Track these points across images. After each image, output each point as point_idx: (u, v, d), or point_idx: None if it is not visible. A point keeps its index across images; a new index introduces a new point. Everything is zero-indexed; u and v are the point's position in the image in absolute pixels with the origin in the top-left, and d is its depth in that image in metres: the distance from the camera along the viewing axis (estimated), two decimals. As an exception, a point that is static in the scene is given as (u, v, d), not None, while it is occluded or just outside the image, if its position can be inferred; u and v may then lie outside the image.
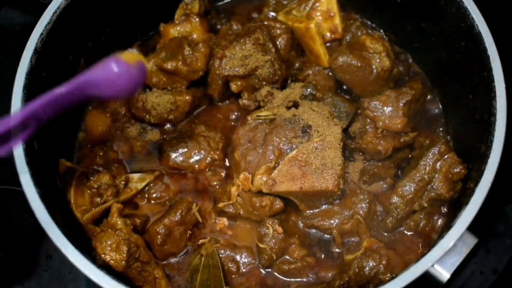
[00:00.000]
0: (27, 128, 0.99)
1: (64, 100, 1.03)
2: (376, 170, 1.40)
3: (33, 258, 1.48)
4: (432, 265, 1.07)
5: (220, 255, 1.32)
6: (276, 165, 1.28)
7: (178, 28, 1.53)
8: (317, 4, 1.56)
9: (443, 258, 1.07)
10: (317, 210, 1.34)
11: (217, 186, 1.41)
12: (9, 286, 1.46)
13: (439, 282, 1.10)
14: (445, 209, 1.35)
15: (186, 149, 1.43)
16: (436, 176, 1.31)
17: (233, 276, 1.32)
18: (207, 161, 1.42)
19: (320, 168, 1.26)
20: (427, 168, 1.32)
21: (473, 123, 1.31)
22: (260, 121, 1.34)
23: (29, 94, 1.21)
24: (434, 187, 1.31)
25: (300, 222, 1.35)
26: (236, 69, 1.38)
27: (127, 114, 1.51)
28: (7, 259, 1.48)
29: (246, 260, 1.34)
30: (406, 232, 1.35)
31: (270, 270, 1.33)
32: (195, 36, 1.52)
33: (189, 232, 1.34)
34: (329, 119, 1.32)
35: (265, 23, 1.52)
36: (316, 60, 1.51)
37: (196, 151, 1.42)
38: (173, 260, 1.34)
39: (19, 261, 1.48)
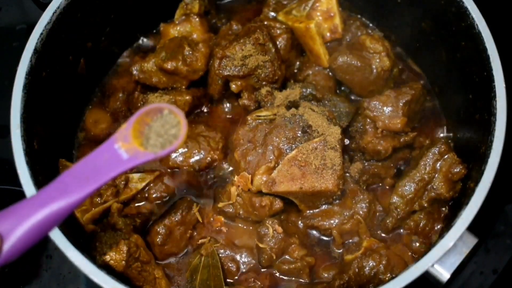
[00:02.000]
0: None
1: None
2: (376, 170, 1.40)
3: (33, 258, 1.48)
4: (432, 265, 1.07)
5: (220, 255, 1.32)
6: (276, 165, 1.28)
7: (178, 28, 1.53)
8: (317, 4, 1.56)
9: (443, 258, 1.07)
10: (317, 210, 1.34)
11: (217, 186, 1.41)
12: (9, 286, 1.46)
13: (439, 282, 1.09)
14: (445, 209, 1.35)
15: (186, 149, 1.43)
16: (436, 176, 1.31)
17: (233, 276, 1.32)
18: (207, 161, 1.42)
19: (320, 168, 1.26)
20: (427, 168, 1.32)
21: (473, 123, 1.31)
22: (260, 121, 1.34)
23: (29, 94, 1.21)
24: (434, 187, 1.31)
25: (300, 222, 1.35)
26: (236, 69, 1.38)
27: (127, 113, 1.51)
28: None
29: (246, 260, 1.34)
30: (406, 232, 1.35)
31: (270, 270, 1.33)
32: (195, 36, 1.52)
33: (190, 232, 1.35)
34: (329, 119, 1.32)
35: (265, 23, 1.52)
36: (316, 60, 1.51)
37: (196, 151, 1.42)
38: (173, 260, 1.34)
39: (20, 261, 1.48)
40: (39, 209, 0.80)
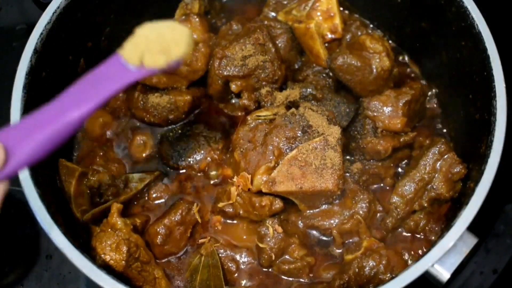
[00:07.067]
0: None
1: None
2: (376, 170, 1.40)
3: (33, 258, 1.48)
4: (432, 265, 1.07)
5: (220, 255, 1.32)
6: (276, 165, 1.28)
7: (178, 28, 1.53)
8: (317, 4, 1.56)
9: (443, 258, 1.07)
10: (317, 210, 1.34)
11: (217, 186, 1.41)
12: (9, 286, 1.46)
13: (439, 282, 1.10)
14: (445, 209, 1.35)
15: (186, 149, 1.43)
16: (436, 176, 1.31)
17: (233, 276, 1.32)
18: (207, 161, 1.42)
19: (320, 168, 1.26)
20: (427, 168, 1.32)
21: (473, 123, 1.31)
22: (260, 121, 1.34)
23: (29, 94, 1.21)
24: (434, 187, 1.31)
25: (300, 222, 1.35)
26: (236, 69, 1.38)
27: (127, 113, 1.51)
28: (7, 259, 1.48)
29: (246, 259, 1.34)
30: (406, 232, 1.35)
31: (270, 270, 1.33)
32: (195, 36, 1.52)
33: (189, 232, 1.35)
34: (329, 119, 1.32)
35: (265, 23, 1.52)
36: (316, 60, 1.51)
37: (196, 151, 1.42)
38: (173, 260, 1.34)
39: (20, 261, 1.48)
40: (52, 120, 0.80)
